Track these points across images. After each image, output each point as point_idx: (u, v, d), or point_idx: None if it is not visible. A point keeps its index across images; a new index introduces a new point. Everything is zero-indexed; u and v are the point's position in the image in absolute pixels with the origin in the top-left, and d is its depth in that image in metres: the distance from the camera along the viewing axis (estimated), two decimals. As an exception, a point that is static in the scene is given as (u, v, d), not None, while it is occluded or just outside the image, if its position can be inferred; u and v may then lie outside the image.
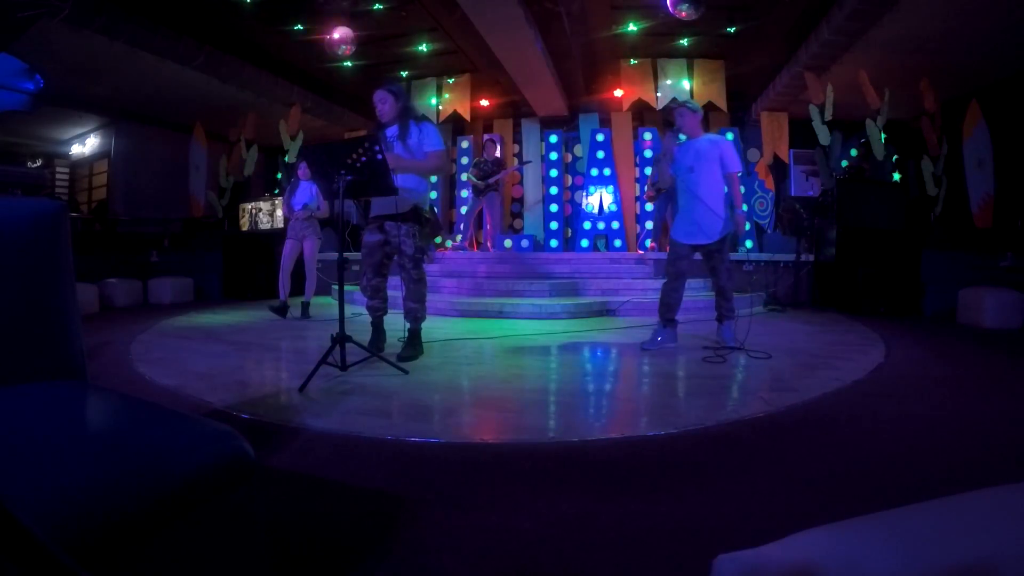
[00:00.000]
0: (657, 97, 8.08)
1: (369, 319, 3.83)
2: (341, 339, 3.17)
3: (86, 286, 6.24)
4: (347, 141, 3.34)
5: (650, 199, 7.54)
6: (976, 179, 7.02)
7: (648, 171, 8.12)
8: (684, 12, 5.81)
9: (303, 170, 5.56)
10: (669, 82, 8.02)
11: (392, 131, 3.52)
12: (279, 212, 7.80)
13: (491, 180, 8.22)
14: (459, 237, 8.72)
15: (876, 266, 6.12)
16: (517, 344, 4.33)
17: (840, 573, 0.56)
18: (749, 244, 8.31)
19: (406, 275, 3.60)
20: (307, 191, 5.58)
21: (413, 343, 3.70)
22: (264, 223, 8.14)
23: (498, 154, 8.69)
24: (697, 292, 6.67)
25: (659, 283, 6.53)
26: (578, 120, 9.51)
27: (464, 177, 9.16)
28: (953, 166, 7.22)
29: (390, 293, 3.82)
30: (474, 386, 3.11)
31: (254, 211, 8.27)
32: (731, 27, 6.79)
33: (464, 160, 9.56)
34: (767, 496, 1.71)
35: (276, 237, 7.04)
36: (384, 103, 3.55)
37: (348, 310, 3.31)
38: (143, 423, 1.02)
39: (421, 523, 1.53)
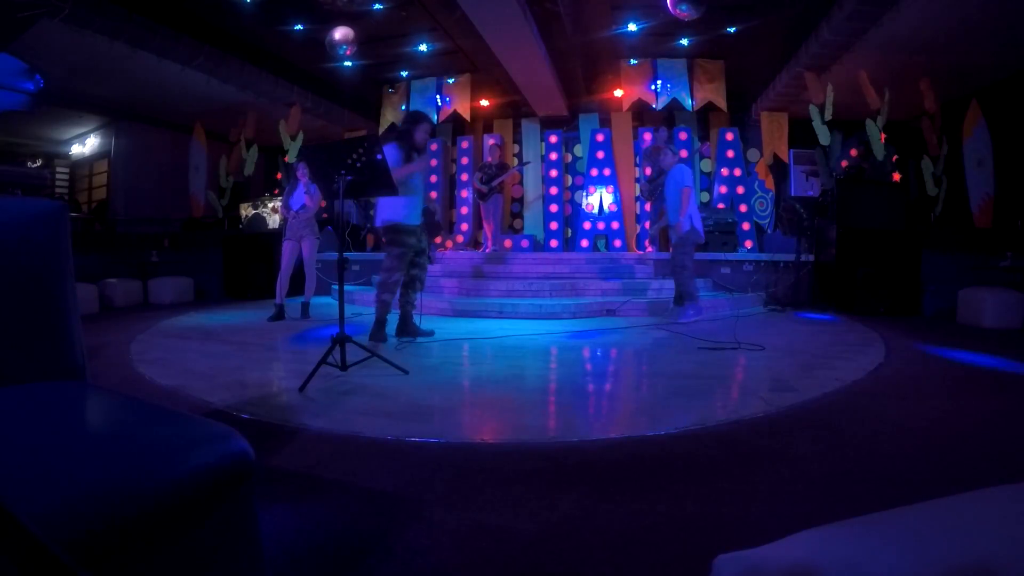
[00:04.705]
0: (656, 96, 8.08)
1: (377, 315, 4.15)
2: (341, 339, 3.17)
3: (86, 286, 6.24)
4: (347, 141, 3.33)
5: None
6: (976, 179, 7.02)
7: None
8: (684, 12, 5.81)
9: (301, 171, 5.56)
10: (669, 84, 8.02)
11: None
12: (265, 209, 7.86)
13: (494, 183, 8.20)
14: (459, 237, 8.72)
15: (876, 266, 6.12)
16: (517, 344, 4.33)
17: (840, 573, 0.56)
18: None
19: (421, 271, 4.33)
20: (303, 192, 5.58)
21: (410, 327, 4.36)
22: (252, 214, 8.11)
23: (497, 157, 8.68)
24: (702, 292, 6.67)
25: (659, 283, 6.58)
26: (578, 120, 9.50)
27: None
28: (953, 166, 7.22)
29: None
30: (474, 386, 3.11)
31: (246, 214, 8.26)
32: (731, 27, 6.79)
33: (460, 160, 9.56)
34: (767, 496, 1.71)
35: (276, 237, 7.03)
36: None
37: (348, 310, 3.31)
38: (143, 423, 1.02)
39: (421, 523, 1.53)
